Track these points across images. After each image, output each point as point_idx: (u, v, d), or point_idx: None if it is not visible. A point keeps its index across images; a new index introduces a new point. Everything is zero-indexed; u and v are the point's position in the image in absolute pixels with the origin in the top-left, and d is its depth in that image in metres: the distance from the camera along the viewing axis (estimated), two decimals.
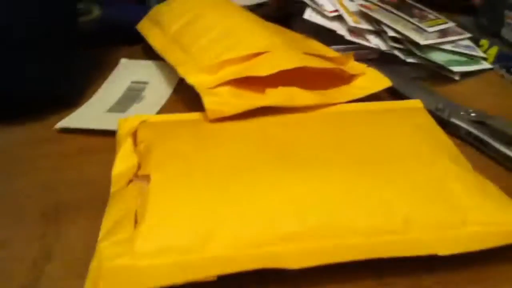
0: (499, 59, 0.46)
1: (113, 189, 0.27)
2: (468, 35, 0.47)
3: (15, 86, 0.36)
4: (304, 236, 0.24)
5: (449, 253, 0.24)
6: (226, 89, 0.34)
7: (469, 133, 0.35)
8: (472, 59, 0.46)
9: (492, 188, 0.28)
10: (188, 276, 0.22)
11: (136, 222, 0.24)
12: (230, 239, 0.23)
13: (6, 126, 0.37)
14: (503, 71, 0.45)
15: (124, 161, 0.29)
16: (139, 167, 0.28)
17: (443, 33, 0.46)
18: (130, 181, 0.27)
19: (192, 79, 0.35)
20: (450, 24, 0.48)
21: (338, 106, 0.36)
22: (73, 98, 0.40)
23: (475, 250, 0.24)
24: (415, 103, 0.37)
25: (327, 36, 0.45)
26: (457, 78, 0.44)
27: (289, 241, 0.24)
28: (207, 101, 0.32)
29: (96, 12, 0.50)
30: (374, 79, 0.39)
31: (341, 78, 0.39)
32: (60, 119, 0.36)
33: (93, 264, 0.22)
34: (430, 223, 0.25)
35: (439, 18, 0.48)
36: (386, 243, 0.24)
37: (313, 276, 0.24)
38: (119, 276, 0.21)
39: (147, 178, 0.26)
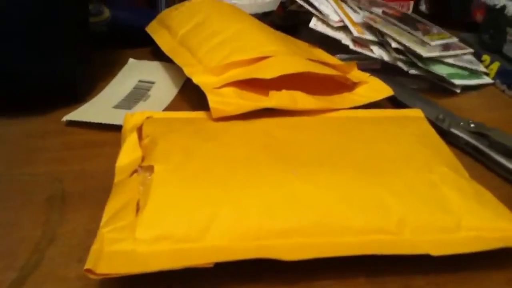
0: (500, 75, 0.47)
1: (116, 179, 0.28)
2: (471, 50, 0.48)
3: (25, 78, 0.37)
4: (300, 232, 0.24)
5: (440, 254, 0.24)
6: (230, 90, 0.35)
7: (468, 143, 0.36)
8: (474, 73, 0.47)
9: (487, 196, 0.28)
10: (185, 262, 0.22)
11: (137, 210, 0.25)
12: (227, 231, 0.24)
13: (16, 118, 0.38)
14: (504, 87, 0.46)
15: (128, 153, 0.30)
16: (143, 160, 0.29)
17: (446, 47, 0.47)
18: (134, 172, 0.28)
19: (198, 79, 0.36)
20: (454, 39, 0.49)
21: (340, 111, 0.36)
22: (81, 94, 0.40)
23: (466, 253, 0.24)
24: (416, 112, 0.37)
25: (332, 46, 0.46)
26: (458, 91, 0.45)
27: (285, 237, 0.24)
28: (212, 100, 0.33)
29: (107, 13, 0.51)
30: (376, 88, 0.40)
31: (344, 86, 0.39)
32: (67, 113, 0.37)
33: (94, 247, 0.23)
34: (423, 226, 0.26)
35: (442, 33, 0.49)
36: (379, 242, 0.25)
37: (306, 271, 0.25)
38: (118, 260, 0.22)
39: (150, 169, 0.27)
